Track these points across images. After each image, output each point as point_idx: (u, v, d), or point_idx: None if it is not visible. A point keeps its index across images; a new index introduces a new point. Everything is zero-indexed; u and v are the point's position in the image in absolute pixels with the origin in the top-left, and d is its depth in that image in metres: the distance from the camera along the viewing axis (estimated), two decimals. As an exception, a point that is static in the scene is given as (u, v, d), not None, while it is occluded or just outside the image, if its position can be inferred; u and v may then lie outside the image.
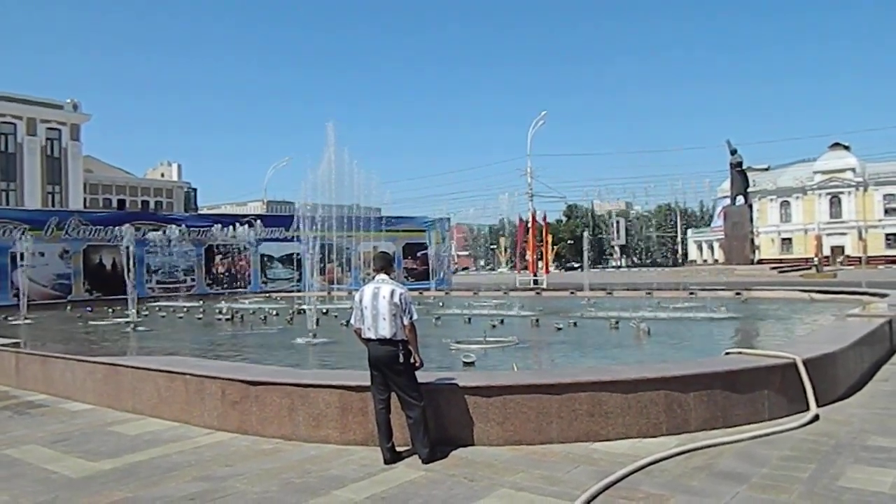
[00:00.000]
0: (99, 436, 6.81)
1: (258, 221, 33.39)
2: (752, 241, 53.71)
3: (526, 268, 38.69)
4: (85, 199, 52.75)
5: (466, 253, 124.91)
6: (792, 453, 5.50)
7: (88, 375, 8.56)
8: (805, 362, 6.78)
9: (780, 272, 49.77)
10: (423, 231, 33.62)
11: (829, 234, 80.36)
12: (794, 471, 5.07)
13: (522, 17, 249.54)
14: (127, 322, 16.64)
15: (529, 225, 38.22)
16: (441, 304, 21.61)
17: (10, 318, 19.37)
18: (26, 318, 19.34)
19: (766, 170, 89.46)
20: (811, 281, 37.29)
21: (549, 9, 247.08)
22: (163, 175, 79.10)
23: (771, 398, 6.57)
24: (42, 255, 25.79)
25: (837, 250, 79.73)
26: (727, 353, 7.55)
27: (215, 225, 32.28)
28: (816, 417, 6.45)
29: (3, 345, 10.81)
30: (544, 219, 38.10)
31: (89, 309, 22.35)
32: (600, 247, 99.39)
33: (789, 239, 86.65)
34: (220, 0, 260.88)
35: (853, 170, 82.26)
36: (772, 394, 6.59)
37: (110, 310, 20.58)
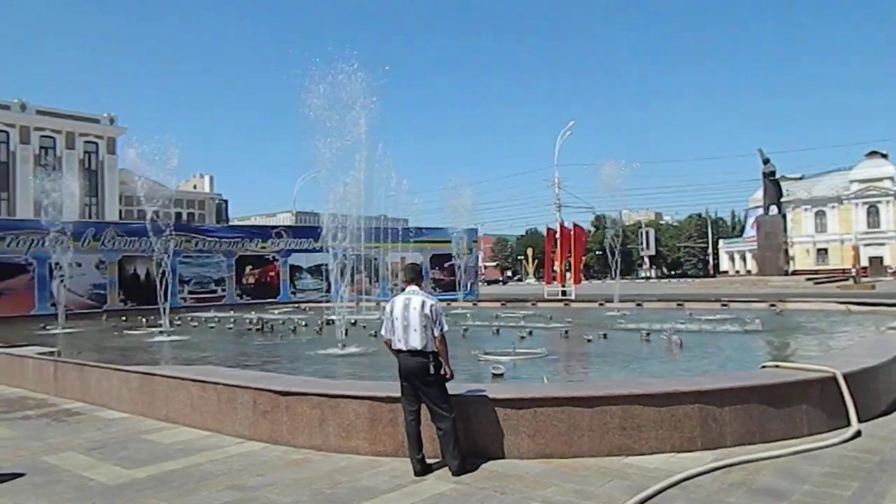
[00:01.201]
0: (134, 443, 6.92)
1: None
2: (787, 251, 52.75)
3: (555, 279, 38.41)
4: (120, 211, 53.96)
5: (494, 264, 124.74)
6: (833, 470, 5.35)
7: (123, 384, 8.70)
8: (845, 376, 6.60)
9: (816, 283, 48.72)
10: (450, 242, 33.60)
11: (866, 245, 78.55)
12: (835, 488, 4.92)
13: (550, 26, 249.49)
14: (160, 332, 16.91)
15: (558, 235, 37.97)
16: (469, 315, 21.57)
17: (48, 327, 19.82)
18: (64, 328, 19.79)
19: (800, 179, 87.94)
20: (848, 292, 36.40)
21: (578, 17, 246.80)
22: (195, 187, 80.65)
23: (810, 413, 6.40)
24: (79, 265, 26.36)
25: (876, 261, 77.74)
26: (763, 367, 7.38)
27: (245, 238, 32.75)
28: (858, 433, 6.26)
29: (42, 354, 11.07)
30: (574, 228, 37.70)
31: (124, 319, 22.80)
32: (629, 257, 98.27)
33: (825, 249, 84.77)
34: (254, 12, 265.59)
35: (891, 178, 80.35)
36: (810, 408, 6.42)
37: (144, 319, 20.95)
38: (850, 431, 6.24)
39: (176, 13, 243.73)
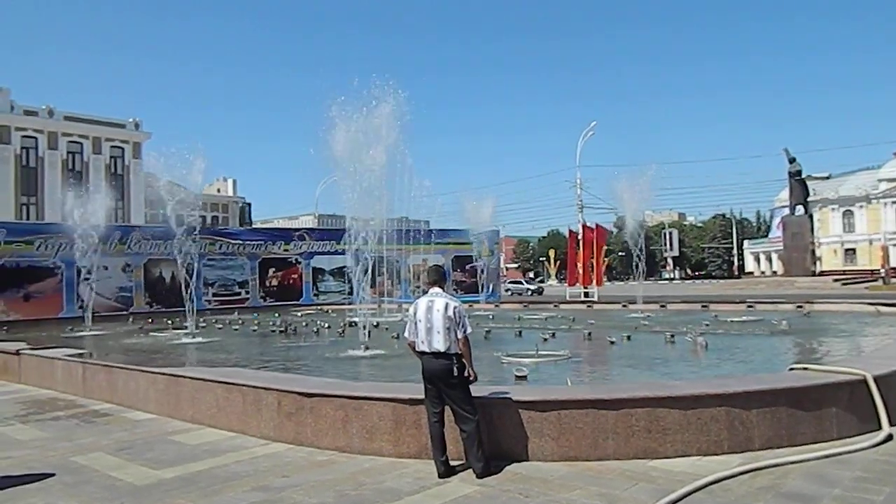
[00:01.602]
0: (161, 444, 7.01)
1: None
2: (813, 251, 51.92)
3: (577, 280, 38.20)
4: (146, 214, 54.76)
5: (516, 265, 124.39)
6: (864, 474, 5.25)
7: (151, 385, 8.82)
8: (876, 378, 6.47)
9: (844, 284, 47.94)
10: (472, 244, 33.57)
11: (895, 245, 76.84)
12: (867, 493, 4.83)
13: (569, 25, 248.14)
14: (185, 333, 17.11)
15: (580, 237, 37.81)
16: (491, 317, 21.54)
17: (75, 330, 20.16)
18: (91, 330, 20.12)
19: (827, 178, 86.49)
20: (878, 293, 35.77)
21: (599, 16, 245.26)
22: (219, 191, 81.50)
23: (839, 416, 6.29)
24: (106, 268, 26.79)
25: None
26: (791, 369, 7.27)
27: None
28: (890, 437, 6.14)
29: (71, 355, 11.26)
30: (597, 228, 37.53)
31: (150, 321, 23.13)
32: (653, 259, 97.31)
33: (853, 249, 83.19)
34: (282, 14, 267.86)
35: (921, 177, 78.63)
36: (840, 412, 6.31)
37: (169, 321, 21.21)
38: (882, 435, 6.12)
39: (195, 13, 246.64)
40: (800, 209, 50.62)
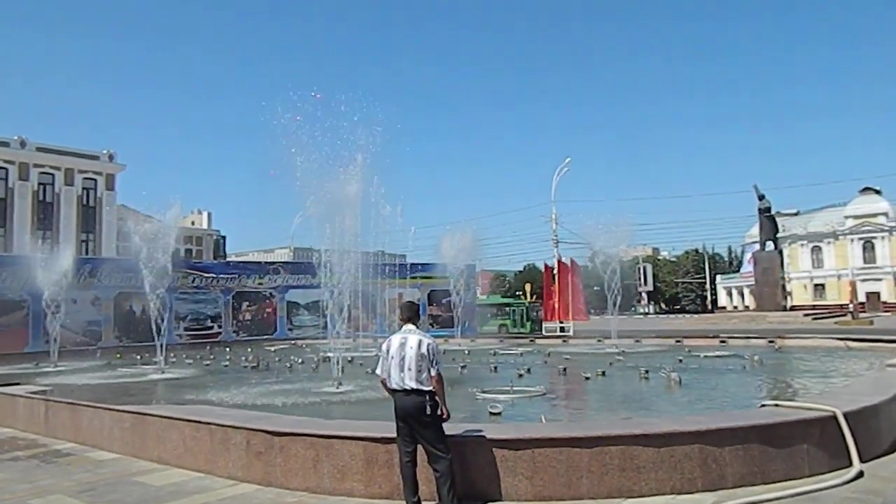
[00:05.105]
0: (124, 486, 6.78)
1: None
2: (784, 287, 52.86)
3: (552, 315, 38.29)
4: (117, 247, 53.91)
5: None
6: (836, 513, 5.25)
7: (116, 424, 8.58)
8: (846, 415, 6.53)
9: (814, 319, 48.77)
10: (448, 278, 33.62)
11: (863, 280, 78.54)
12: (839, 532, 4.83)
13: (546, 61, 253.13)
14: (155, 369, 16.75)
15: (556, 271, 38.05)
16: (467, 351, 21.45)
17: (41, 365, 19.61)
18: (57, 365, 19.59)
19: (796, 214, 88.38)
20: (847, 328, 36.38)
21: (572, 51, 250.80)
22: (193, 223, 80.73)
23: (811, 453, 6.32)
24: (74, 302, 26.24)
25: (873, 296, 77.76)
26: (763, 405, 7.31)
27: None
28: (861, 474, 6.17)
29: (33, 392, 10.93)
30: (572, 265, 37.85)
31: (118, 356, 22.60)
32: (627, 293, 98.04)
33: (822, 285, 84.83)
34: (262, 47, 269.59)
35: (886, 214, 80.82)
36: (811, 448, 6.34)
37: (139, 356, 20.76)
38: (852, 472, 6.15)
39: (168, 44, 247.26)
40: (770, 245, 51.66)
